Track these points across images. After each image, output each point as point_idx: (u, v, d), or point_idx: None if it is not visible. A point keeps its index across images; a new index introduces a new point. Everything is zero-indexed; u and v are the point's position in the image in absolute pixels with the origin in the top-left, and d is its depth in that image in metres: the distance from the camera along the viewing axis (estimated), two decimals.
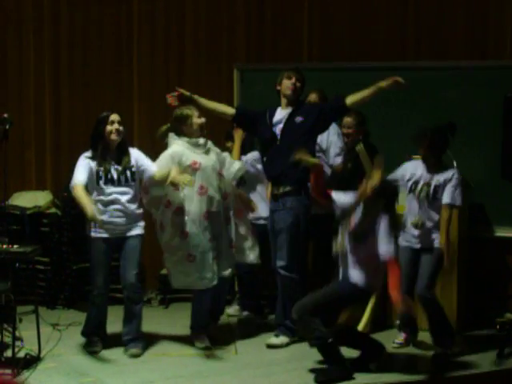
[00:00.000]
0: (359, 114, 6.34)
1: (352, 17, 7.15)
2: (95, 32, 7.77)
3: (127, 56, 7.74)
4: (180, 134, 5.84)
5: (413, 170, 5.79)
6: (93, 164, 5.63)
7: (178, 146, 5.79)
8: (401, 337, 5.91)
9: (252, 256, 6.16)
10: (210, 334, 5.93)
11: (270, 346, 5.86)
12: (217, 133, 6.34)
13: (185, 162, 5.72)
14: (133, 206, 5.68)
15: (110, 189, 5.63)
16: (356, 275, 5.15)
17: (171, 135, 5.86)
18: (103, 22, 7.75)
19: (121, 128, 5.69)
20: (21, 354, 5.38)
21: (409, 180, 5.77)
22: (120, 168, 5.67)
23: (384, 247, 5.00)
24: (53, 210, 7.28)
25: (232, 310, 6.85)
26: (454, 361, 5.56)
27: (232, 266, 5.98)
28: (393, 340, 5.89)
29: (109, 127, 5.65)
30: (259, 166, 6.34)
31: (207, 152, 5.86)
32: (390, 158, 6.64)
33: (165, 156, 5.77)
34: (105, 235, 5.61)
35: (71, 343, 5.88)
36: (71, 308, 7.04)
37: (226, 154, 6.08)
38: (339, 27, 7.18)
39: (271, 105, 6.07)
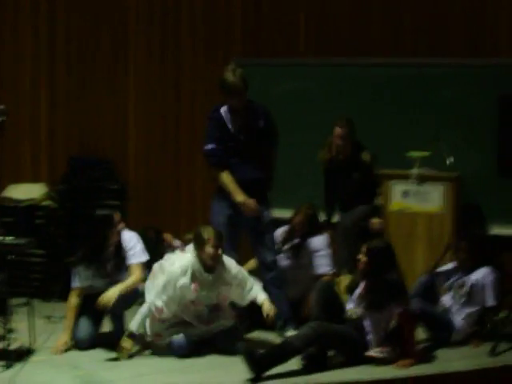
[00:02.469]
0: (350, 122, 6.38)
1: (349, 12, 7.13)
2: (91, 25, 7.76)
3: (123, 51, 7.73)
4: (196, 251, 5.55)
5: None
6: None
7: (182, 264, 5.51)
8: None
9: None
10: None
11: None
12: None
13: (178, 286, 5.47)
14: None
15: None
16: None
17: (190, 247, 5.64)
18: (99, 17, 7.75)
19: None
20: (15, 346, 5.36)
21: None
22: None
23: None
24: (47, 202, 7.27)
25: None
26: (447, 358, 5.56)
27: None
28: None
29: None
30: None
31: (210, 288, 5.54)
32: (384, 154, 6.68)
33: (159, 283, 5.50)
34: None
35: None
36: (66, 300, 7.00)
37: (244, 277, 5.63)
38: (336, 23, 7.17)
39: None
